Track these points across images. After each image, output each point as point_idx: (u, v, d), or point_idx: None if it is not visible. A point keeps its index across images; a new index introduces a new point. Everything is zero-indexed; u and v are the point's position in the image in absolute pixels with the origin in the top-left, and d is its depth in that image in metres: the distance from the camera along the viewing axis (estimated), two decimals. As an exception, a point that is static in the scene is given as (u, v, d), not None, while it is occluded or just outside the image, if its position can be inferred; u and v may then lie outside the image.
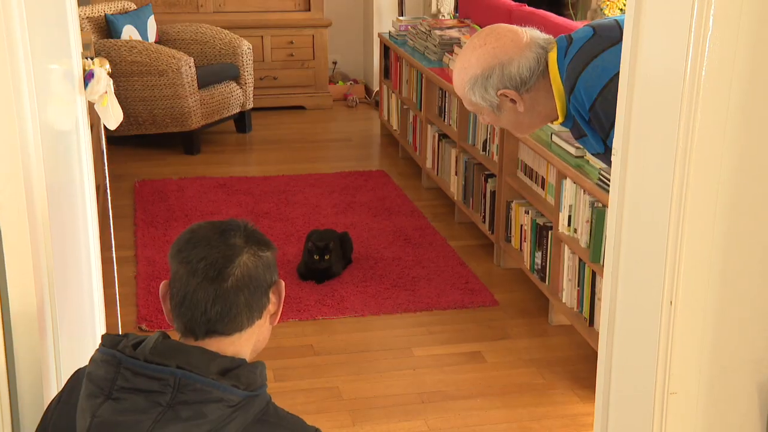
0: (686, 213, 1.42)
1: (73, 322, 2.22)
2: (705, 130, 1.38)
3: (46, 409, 1.60)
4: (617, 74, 1.93)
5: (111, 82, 2.43)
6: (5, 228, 1.57)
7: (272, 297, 1.57)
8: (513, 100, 2.06)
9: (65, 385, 1.59)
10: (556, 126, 2.42)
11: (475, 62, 2.06)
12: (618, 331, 1.63)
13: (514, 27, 2.11)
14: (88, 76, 2.35)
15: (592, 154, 2.17)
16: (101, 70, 2.36)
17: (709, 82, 1.36)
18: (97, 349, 1.50)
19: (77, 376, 1.57)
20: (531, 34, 2.08)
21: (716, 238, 1.45)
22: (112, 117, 2.45)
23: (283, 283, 1.60)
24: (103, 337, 1.51)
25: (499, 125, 2.26)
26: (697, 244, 1.44)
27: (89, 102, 2.45)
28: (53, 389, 1.80)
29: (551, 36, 2.11)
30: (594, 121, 2.01)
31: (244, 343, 1.54)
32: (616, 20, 2.06)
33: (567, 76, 2.02)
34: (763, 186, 1.44)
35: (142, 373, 1.43)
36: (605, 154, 2.10)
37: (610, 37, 2.01)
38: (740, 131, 1.40)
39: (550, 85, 2.05)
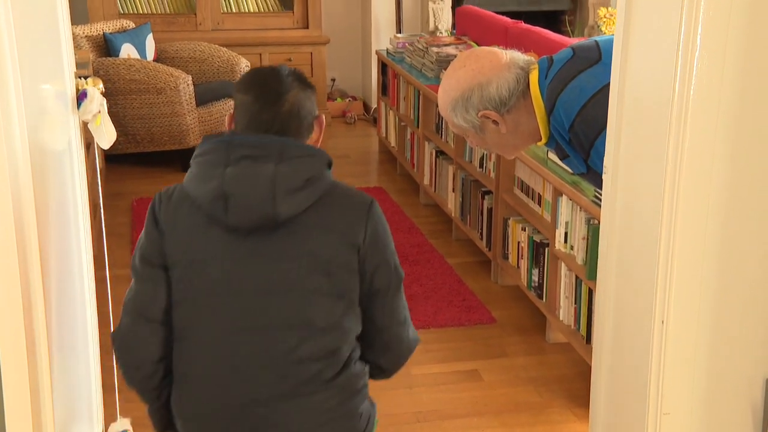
0: (677, 232, 1.42)
1: (65, 341, 2.21)
2: (694, 149, 1.38)
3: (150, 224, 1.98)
4: (595, 94, 1.95)
5: (104, 101, 2.42)
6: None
7: (315, 126, 2.00)
8: (495, 122, 2.08)
9: (152, 231, 1.97)
10: (540, 146, 2.43)
11: (455, 84, 2.09)
12: (611, 350, 1.63)
13: (494, 49, 2.14)
14: (81, 96, 2.35)
15: (577, 175, 2.18)
16: (94, 89, 2.35)
17: (697, 102, 1.36)
18: (201, 145, 1.96)
19: (159, 208, 1.98)
20: (512, 55, 2.10)
21: (707, 257, 1.45)
22: (105, 136, 2.44)
23: (323, 117, 2.04)
24: (204, 138, 1.98)
25: (485, 147, 2.28)
26: (688, 263, 1.44)
27: (83, 121, 2.45)
28: (47, 408, 1.79)
29: (533, 57, 2.13)
30: (574, 141, 2.02)
31: None
32: (596, 41, 2.08)
33: (547, 97, 2.04)
34: (754, 205, 1.44)
35: (250, 144, 1.91)
36: (588, 174, 2.11)
37: (588, 58, 2.02)
38: (729, 149, 1.40)
39: (532, 106, 2.06)
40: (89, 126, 2.48)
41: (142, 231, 2.02)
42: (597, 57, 1.99)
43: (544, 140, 2.09)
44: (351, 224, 1.92)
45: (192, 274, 1.93)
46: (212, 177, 1.90)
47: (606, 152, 1.59)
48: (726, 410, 1.53)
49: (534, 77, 2.04)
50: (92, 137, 3.02)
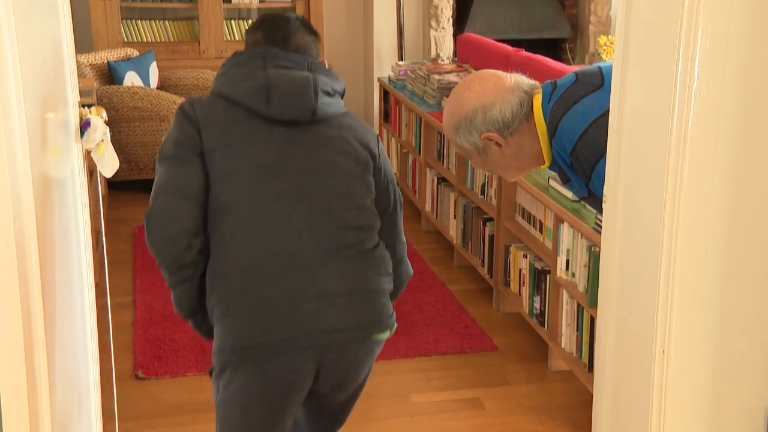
0: (677, 261, 1.42)
1: (67, 370, 2.21)
2: (693, 178, 1.39)
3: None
4: (597, 119, 1.96)
5: (107, 130, 2.44)
6: (-5, 279, 1.57)
7: None
8: (498, 144, 2.08)
9: (186, 124, 2.15)
10: (543, 170, 2.44)
11: (459, 106, 2.10)
12: (612, 380, 1.62)
13: (499, 72, 2.15)
14: (84, 125, 2.36)
15: (579, 199, 2.18)
16: (98, 118, 2.37)
17: (695, 131, 1.37)
18: (234, 57, 2.23)
19: (193, 108, 2.17)
20: (516, 78, 2.12)
21: (708, 286, 1.45)
22: (108, 165, 2.45)
23: (327, 63, 2.31)
24: (234, 53, 2.25)
25: (488, 170, 2.28)
26: (689, 292, 1.44)
27: (86, 150, 2.46)
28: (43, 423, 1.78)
29: (537, 82, 2.14)
30: (576, 165, 2.03)
31: None
32: (599, 67, 2.09)
33: (549, 121, 2.04)
34: (754, 233, 1.44)
35: (284, 57, 2.18)
36: (589, 198, 2.12)
37: (591, 83, 2.03)
38: (728, 177, 1.40)
39: (535, 129, 2.07)
40: (92, 155, 2.49)
41: (171, 130, 2.19)
42: (599, 83, 2.00)
43: (547, 164, 2.09)
44: (368, 138, 2.24)
45: (235, 155, 2.12)
46: (253, 77, 2.15)
47: (606, 181, 1.60)
48: (728, 440, 1.53)
49: (537, 101, 2.05)
50: (95, 165, 3.04)
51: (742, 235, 1.44)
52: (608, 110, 1.88)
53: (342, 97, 2.25)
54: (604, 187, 1.60)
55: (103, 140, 2.45)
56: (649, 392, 1.49)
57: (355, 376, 2.21)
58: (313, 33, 2.28)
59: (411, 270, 2.40)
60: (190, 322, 2.28)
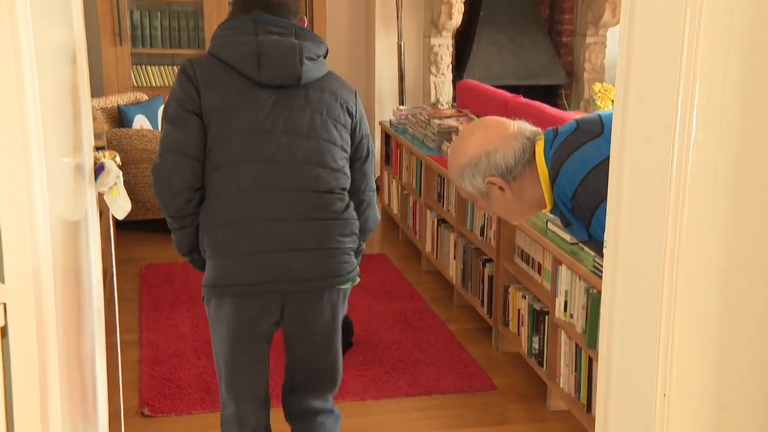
0: (677, 306, 1.43)
1: (76, 409, 2.20)
2: (692, 226, 1.40)
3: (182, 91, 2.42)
4: (596, 166, 1.98)
5: (120, 174, 2.46)
6: (12, 321, 1.57)
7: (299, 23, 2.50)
8: (501, 188, 2.10)
9: (187, 85, 2.42)
10: (545, 213, 2.46)
11: (464, 151, 2.12)
12: (613, 423, 1.62)
13: (503, 119, 2.17)
14: (98, 169, 2.38)
15: (579, 242, 2.19)
16: (111, 162, 2.39)
17: (694, 181, 1.38)
18: (227, 21, 2.47)
19: (192, 68, 2.46)
20: (519, 125, 2.14)
21: (708, 330, 1.45)
22: (121, 208, 2.47)
23: (305, 19, 2.54)
24: (228, 17, 2.52)
25: (492, 212, 2.30)
26: (689, 336, 1.44)
27: (99, 192, 2.47)
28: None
29: (539, 129, 2.16)
30: (576, 209, 2.04)
31: None
32: (599, 115, 2.11)
33: (551, 166, 2.06)
34: (753, 279, 1.45)
35: (272, 23, 2.40)
36: (590, 242, 2.13)
37: (591, 130, 2.05)
38: (727, 225, 1.41)
39: (538, 174, 2.09)
40: (105, 197, 2.51)
41: (174, 88, 2.45)
42: (599, 130, 2.02)
43: (549, 207, 2.11)
44: (348, 98, 2.49)
45: (230, 116, 2.37)
46: (245, 43, 2.38)
47: (606, 227, 1.60)
48: (728, 482, 1.52)
49: (540, 147, 2.07)
50: (105, 205, 3.06)
51: (740, 282, 1.45)
52: (608, 157, 1.89)
53: (325, 58, 2.52)
54: (605, 233, 1.61)
55: (116, 183, 2.47)
56: (650, 434, 1.49)
57: (317, 320, 2.51)
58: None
59: (378, 216, 2.67)
60: (188, 258, 2.62)
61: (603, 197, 1.93)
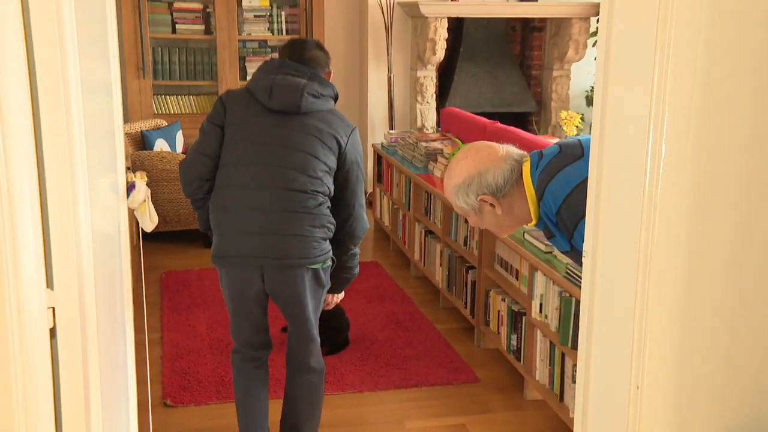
0: (648, 310, 1.43)
1: (112, 399, 2.19)
2: (661, 238, 1.41)
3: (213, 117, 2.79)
4: (578, 185, 1.98)
5: (149, 191, 2.46)
6: (60, 323, 1.57)
7: (326, 76, 2.83)
8: (492, 205, 2.10)
9: (219, 106, 2.79)
10: (530, 227, 2.46)
11: (458, 172, 2.12)
12: (591, 412, 1.62)
13: (493, 143, 2.17)
14: (130, 187, 2.38)
15: (561, 252, 2.20)
16: (141, 182, 2.39)
17: (664, 198, 1.39)
18: (262, 64, 2.82)
19: (227, 95, 2.81)
20: (507, 149, 2.14)
21: (674, 332, 1.46)
22: (149, 222, 2.46)
23: (332, 72, 2.88)
24: (264, 62, 2.85)
25: (483, 226, 2.30)
26: (658, 337, 1.45)
27: (130, 208, 2.47)
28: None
29: (525, 152, 2.17)
30: (560, 223, 2.04)
31: None
32: (578, 140, 2.11)
33: (537, 186, 2.06)
34: (709, 289, 1.46)
35: (292, 67, 2.76)
36: (571, 252, 2.13)
37: (573, 154, 2.06)
38: (690, 240, 1.42)
39: (525, 193, 2.09)
40: (135, 213, 2.50)
41: (212, 109, 2.82)
42: (580, 153, 2.03)
43: (534, 221, 2.11)
44: (340, 130, 2.74)
45: (241, 129, 2.72)
46: (265, 79, 2.73)
47: (585, 239, 1.61)
48: (693, 464, 1.53)
49: (526, 168, 2.07)
50: (133, 219, 3.05)
51: (700, 289, 1.46)
52: (587, 177, 1.90)
53: (335, 100, 2.80)
54: (584, 244, 1.62)
55: (145, 201, 2.46)
56: (625, 422, 1.50)
57: (292, 291, 2.75)
58: (324, 51, 2.87)
59: (366, 225, 2.89)
60: (208, 233, 2.87)
61: (584, 213, 1.93)
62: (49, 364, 1.51)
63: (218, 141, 2.74)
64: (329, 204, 2.75)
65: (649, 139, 1.39)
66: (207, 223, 2.84)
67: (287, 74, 2.72)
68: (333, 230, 2.77)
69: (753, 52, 1.37)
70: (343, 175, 2.76)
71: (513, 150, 2.13)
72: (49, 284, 1.55)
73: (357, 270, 2.97)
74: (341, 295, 3.05)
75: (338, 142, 2.73)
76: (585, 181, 1.93)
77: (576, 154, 2.03)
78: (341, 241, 2.83)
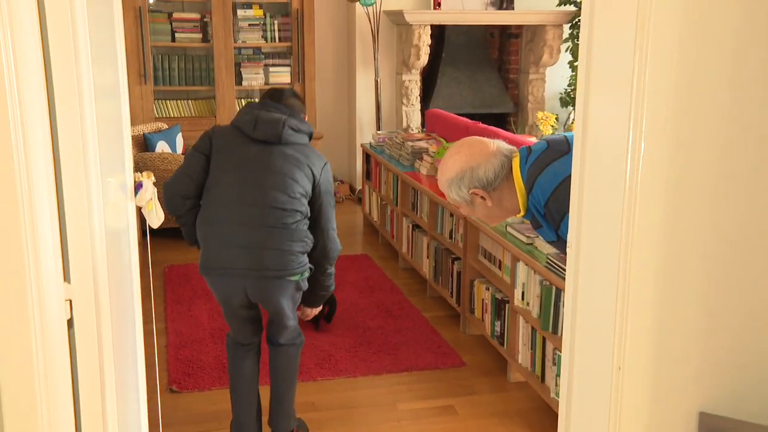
0: (629, 296, 1.44)
1: (124, 385, 2.18)
2: (641, 229, 1.42)
3: (198, 149, 2.89)
4: (565, 179, 1.98)
5: (155, 190, 2.44)
6: (77, 314, 1.56)
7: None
8: (483, 197, 2.10)
9: (205, 137, 2.90)
10: (518, 218, 2.46)
11: (451, 166, 2.12)
12: (576, 392, 1.63)
13: (485, 139, 2.16)
14: (137, 186, 2.36)
15: (547, 242, 2.20)
16: (148, 181, 2.37)
17: (643, 194, 1.40)
18: (247, 105, 2.91)
19: (213, 130, 2.92)
20: (498, 144, 2.13)
21: (653, 316, 1.47)
22: (156, 219, 2.45)
23: (306, 117, 2.99)
24: (246, 104, 2.94)
25: (474, 216, 2.30)
26: (638, 322, 1.46)
27: (137, 206, 2.45)
28: (110, 428, 1.75)
29: (515, 147, 2.17)
30: (548, 215, 2.05)
31: None
32: (565, 136, 2.11)
33: (526, 179, 2.06)
34: (685, 273, 1.47)
35: (274, 106, 2.86)
36: (557, 242, 2.13)
37: (560, 149, 2.06)
38: (668, 231, 1.43)
39: (514, 186, 2.09)
40: (142, 210, 2.48)
41: (198, 140, 2.90)
42: (567, 149, 2.03)
43: (522, 213, 2.11)
44: (314, 162, 2.87)
45: (227, 155, 2.82)
46: (250, 113, 2.85)
47: (569, 231, 1.62)
48: (671, 438, 1.54)
49: (516, 163, 2.07)
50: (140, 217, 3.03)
51: (677, 276, 1.46)
52: (574, 171, 1.88)
53: (310, 137, 2.91)
54: (568, 235, 1.62)
55: (151, 199, 2.45)
56: (608, 400, 1.50)
57: (272, 299, 2.83)
58: (300, 99, 3.00)
59: (338, 246, 2.97)
60: (195, 246, 2.94)
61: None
62: (67, 353, 1.50)
63: (201, 165, 2.84)
64: (307, 222, 2.84)
65: (629, 137, 1.39)
66: (192, 236, 2.93)
67: (269, 111, 2.86)
68: (311, 245, 2.85)
69: (725, 54, 1.38)
70: (317, 204, 2.86)
71: (503, 145, 2.12)
72: (66, 278, 1.54)
73: (333, 287, 3.06)
74: (318, 308, 3.20)
75: (313, 173, 2.84)
76: (571, 176, 1.93)
77: (563, 149, 2.03)
78: (318, 262, 2.91)
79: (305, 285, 2.90)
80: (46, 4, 1.41)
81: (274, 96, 2.94)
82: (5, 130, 1.27)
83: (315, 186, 2.85)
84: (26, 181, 1.28)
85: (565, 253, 1.92)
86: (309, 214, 2.85)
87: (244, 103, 7.00)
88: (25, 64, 1.27)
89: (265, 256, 2.75)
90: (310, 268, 2.89)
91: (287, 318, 2.93)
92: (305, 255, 2.83)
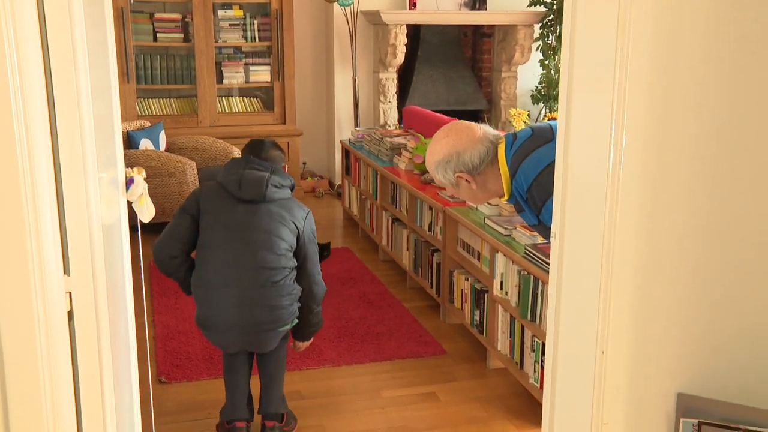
0: (612, 283, 1.47)
1: (119, 374, 2.17)
2: (624, 217, 1.44)
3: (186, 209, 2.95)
4: (548, 165, 2.00)
5: (146, 186, 2.42)
6: (76, 306, 1.55)
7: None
8: (468, 181, 2.10)
9: (193, 199, 2.96)
10: (502, 201, 2.47)
11: (439, 149, 2.12)
12: (560, 375, 1.65)
13: (472, 124, 2.16)
14: (129, 182, 2.35)
15: (529, 225, 2.21)
16: (140, 177, 2.35)
17: (624, 184, 1.42)
18: (231, 161, 2.99)
19: (200, 191, 2.97)
20: (485, 129, 2.14)
21: (635, 302, 1.49)
22: (147, 213, 2.44)
23: (287, 167, 3.07)
24: (232, 158, 3.04)
25: (459, 197, 2.31)
26: (620, 307, 1.48)
27: (128, 201, 2.43)
28: (108, 416, 1.74)
29: (500, 132, 2.17)
30: (530, 200, 2.06)
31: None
32: (549, 124, 2.12)
33: (511, 164, 2.07)
34: (665, 261, 1.49)
35: (258, 163, 2.93)
36: (538, 226, 2.15)
37: (543, 136, 2.07)
38: (649, 223, 1.46)
39: (499, 170, 2.09)
40: (133, 205, 2.47)
41: (187, 199, 2.97)
42: (550, 136, 2.04)
43: (506, 197, 2.12)
44: (297, 215, 2.94)
45: (215, 217, 2.89)
46: (235, 173, 2.90)
47: (553, 219, 1.63)
48: (648, 419, 1.56)
49: (501, 149, 2.08)
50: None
51: (657, 264, 1.49)
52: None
53: (292, 189, 2.98)
54: (552, 223, 1.64)
55: (143, 194, 2.43)
56: (591, 383, 1.53)
57: (267, 347, 2.97)
58: (280, 149, 3.06)
59: (325, 287, 3.06)
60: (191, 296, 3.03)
61: (552, 191, 1.95)
62: (68, 343, 1.49)
63: (188, 227, 2.92)
64: (294, 274, 2.96)
65: (611, 131, 1.41)
66: (187, 289, 3.03)
67: (253, 169, 2.92)
68: (299, 293, 2.97)
69: (700, 51, 1.41)
70: (302, 254, 2.96)
71: (490, 131, 2.13)
72: (66, 270, 1.53)
73: (321, 323, 3.12)
74: (309, 342, 3.20)
75: (296, 226, 2.93)
76: (554, 162, 1.94)
77: (547, 137, 2.05)
78: (306, 304, 3.00)
79: (293, 323, 3.02)
80: (45, 6, 1.40)
81: (255, 149, 3.00)
82: (9, 130, 1.26)
83: (299, 238, 2.94)
84: (29, 177, 1.27)
85: (546, 237, 1.94)
86: (295, 265, 2.95)
87: (225, 102, 6.97)
88: (27, 64, 1.26)
89: (257, 313, 2.86)
90: (299, 308, 3.00)
91: (278, 349, 3.07)
92: (294, 305, 2.95)
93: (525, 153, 2.03)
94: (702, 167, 1.46)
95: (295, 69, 7.00)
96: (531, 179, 2.01)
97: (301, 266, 2.97)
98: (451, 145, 2.09)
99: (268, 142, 3.06)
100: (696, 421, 1.48)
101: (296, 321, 2.99)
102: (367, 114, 7.25)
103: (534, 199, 2.02)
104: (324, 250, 4.25)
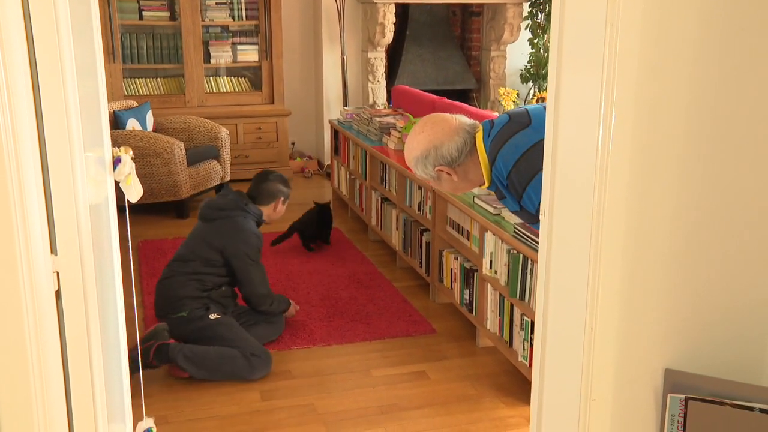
0: (600, 261, 1.47)
1: (108, 354, 2.17)
2: (612, 196, 1.44)
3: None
4: (526, 151, 2.00)
5: (133, 165, 2.41)
6: (64, 286, 1.54)
7: (276, 201, 3.82)
8: (448, 173, 2.10)
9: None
10: (484, 189, 2.48)
11: (416, 145, 2.12)
12: (549, 352, 1.66)
13: (447, 115, 2.16)
14: (116, 161, 2.33)
15: (511, 212, 2.22)
16: (126, 156, 2.33)
17: (613, 163, 1.42)
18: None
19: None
20: (460, 120, 2.13)
21: (623, 279, 1.50)
22: (134, 193, 2.42)
23: (284, 204, 3.89)
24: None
25: (441, 189, 2.32)
26: (609, 285, 1.49)
27: (116, 181, 2.42)
28: (101, 406, 1.75)
29: (476, 121, 2.17)
30: (510, 186, 2.06)
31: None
32: (526, 109, 2.12)
33: (489, 151, 2.07)
34: (652, 238, 1.50)
35: (222, 195, 3.69)
36: (521, 212, 2.16)
37: (521, 122, 2.07)
38: (637, 201, 1.46)
39: (478, 160, 2.09)
40: (121, 185, 2.44)
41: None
42: (527, 122, 2.04)
43: (487, 184, 2.12)
44: (227, 241, 3.54)
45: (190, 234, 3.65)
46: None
47: (542, 197, 1.63)
48: (636, 395, 1.58)
49: (479, 137, 2.08)
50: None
51: (644, 241, 1.49)
52: (536, 143, 1.90)
53: (234, 214, 3.58)
54: (541, 203, 1.64)
55: (130, 173, 2.42)
56: (580, 359, 1.54)
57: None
58: (285, 183, 3.80)
59: (270, 305, 3.70)
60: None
61: (532, 176, 1.95)
62: (56, 323, 1.49)
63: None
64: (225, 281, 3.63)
65: (600, 108, 1.41)
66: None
67: (221, 195, 3.72)
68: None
69: (691, 27, 1.41)
70: (236, 271, 3.59)
71: (465, 121, 2.12)
72: (53, 250, 1.52)
73: (278, 310, 3.70)
74: (296, 308, 3.87)
75: (220, 244, 3.57)
76: (533, 148, 1.94)
77: (524, 122, 2.05)
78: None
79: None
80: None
81: (255, 181, 3.83)
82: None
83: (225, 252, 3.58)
84: (15, 158, 1.26)
85: (529, 223, 1.94)
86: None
87: (212, 82, 6.92)
88: (10, 41, 1.25)
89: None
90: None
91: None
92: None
93: (503, 139, 2.03)
94: (692, 144, 1.46)
95: (283, 48, 6.95)
96: (510, 165, 2.01)
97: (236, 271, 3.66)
98: (428, 139, 2.09)
99: (273, 173, 3.81)
100: (683, 396, 1.49)
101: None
102: (355, 93, 7.22)
103: (514, 185, 2.02)
104: (327, 224, 4.93)
